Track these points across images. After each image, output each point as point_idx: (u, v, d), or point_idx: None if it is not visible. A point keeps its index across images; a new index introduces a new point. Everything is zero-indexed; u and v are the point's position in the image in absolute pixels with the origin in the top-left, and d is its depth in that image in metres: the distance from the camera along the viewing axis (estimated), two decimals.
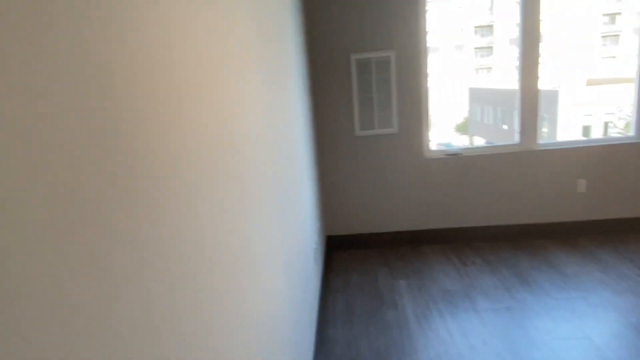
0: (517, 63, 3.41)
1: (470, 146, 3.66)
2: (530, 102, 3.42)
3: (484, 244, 3.55)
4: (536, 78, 3.38)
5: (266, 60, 1.53)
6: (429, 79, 3.46)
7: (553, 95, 17.61)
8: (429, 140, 3.56)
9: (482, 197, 3.57)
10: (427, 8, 3.32)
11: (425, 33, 3.34)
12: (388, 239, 3.69)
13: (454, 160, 3.53)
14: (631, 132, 3.49)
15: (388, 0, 3.28)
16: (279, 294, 1.45)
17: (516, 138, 3.52)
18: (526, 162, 3.49)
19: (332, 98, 3.47)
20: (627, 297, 2.58)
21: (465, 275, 3.06)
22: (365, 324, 2.57)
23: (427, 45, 3.38)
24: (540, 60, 3.35)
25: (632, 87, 3.48)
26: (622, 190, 3.51)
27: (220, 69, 0.96)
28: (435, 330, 2.44)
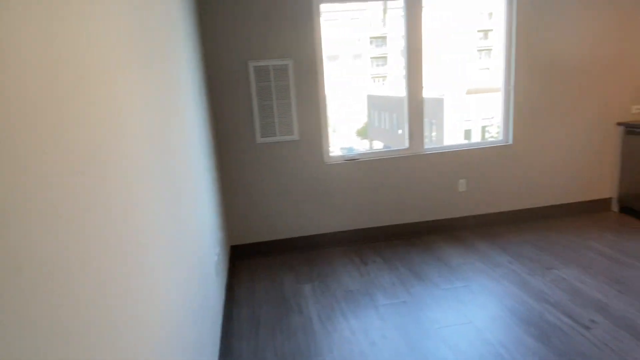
0: (404, 73, 3.68)
1: (366, 151, 3.87)
2: (416, 110, 3.72)
3: (382, 243, 3.76)
4: (420, 87, 3.69)
5: (149, 68, 1.45)
6: (327, 86, 3.57)
7: (439, 103, 19.42)
8: (329, 146, 3.67)
9: (379, 199, 3.79)
10: (322, 18, 3.43)
11: (320, 42, 3.45)
12: (293, 245, 3.73)
13: (353, 165, 3.69)
14: (501, 137, 3.97)
15: (284, 10, 3.32)
16: (173, 313, 1.37)
17: (406, 143, 3.79)
18: (415, 165, 3.78)
19: (232, 106, 3.41)
20: (502, 283, 2.93)
21: (366, 274, 3.20)
22: (270, 332, 2.56)
23: (324, 53, 3.50)
24: (423, 70, 3.66)
25: (500, 96, 3.97)
26: (497, 188, 3.98)
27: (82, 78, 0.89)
28: (339, 331, 2.51)
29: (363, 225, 3.81)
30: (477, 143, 3.96)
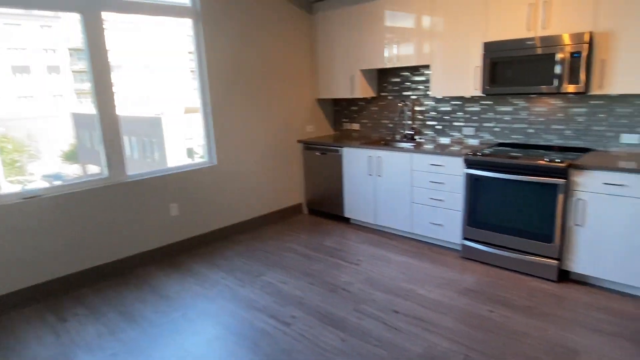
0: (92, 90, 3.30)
1: (51, 186, 3.26)
2: (113, 134, 3.40)
3: (87, 289, 3.25)
4: (113, 105, 3.37)
5: None
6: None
7: (157, 122, 18.96)
8: None
9: (79, 239, 3.26)
10: None
11: None
12: None
13: (34, 203, 3.04)
14: (206, 157, 4.10)
15: None
16: None
17: (104, 171, 3.41)
18: (119, 195, 3.45)
19: None
20: (217, 302, 2.99)
21: (65, 333, 2.68)
22: None
23: None
24: (114, 89, 3.36)
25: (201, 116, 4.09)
26: (208, 207, 4.08)
27: None
28: None
29: (60, 273, 3.20)
30: (186, 165, 3.96)
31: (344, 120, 5.12)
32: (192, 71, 3.97)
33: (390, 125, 4.64)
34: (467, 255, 3.50)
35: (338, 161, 4.45)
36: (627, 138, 3.13)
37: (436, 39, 3.70)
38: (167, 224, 3.80)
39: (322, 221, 4.71)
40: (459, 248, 3.68)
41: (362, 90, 4.45)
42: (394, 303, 2.87)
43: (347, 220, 4.65)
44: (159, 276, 3.44)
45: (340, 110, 5.14)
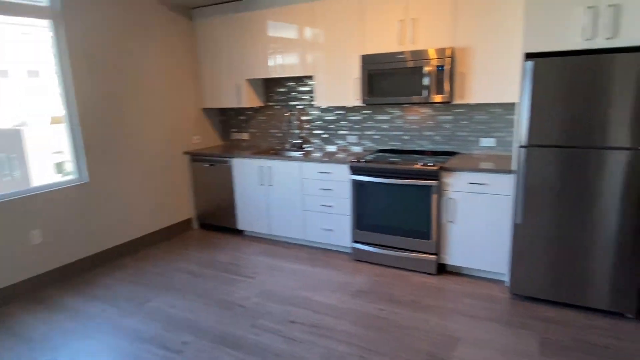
0: None
1: None
2: None
3: None
4: None
5: None
6: None
7: (16, 134, 16.48)
8: None
9: None
10: None
11: None
12: None
13: None
14: (76, 174, 3.66)
15: None
16: None
17: None
18: None
19: None
20: (97, 338, 2.66)
21: None
22: None
23: None
24: None
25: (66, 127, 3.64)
26: (81, 230, 3.64)
27: None
28: None
29: None
30: (50, 185, 3.48)
31: (233, 130, 5.00)
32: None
33: (279, 134, 4.66)
34: (358, 257, 3.66)
35: (228, 172, 4.32)
36: (485, 142, 3.57)
37: (318, 50, 3.81)
38: (28, 255, 3.29)
39: (214, 235, 4.53)
40: (350, 251, 3.83)
41: (249, 99, 4.39)
42: (290, 313, 2.86)
43: (240, 233, 4.54)
44: (21, 318, 2.96)
45: (228, 119, 5.02)
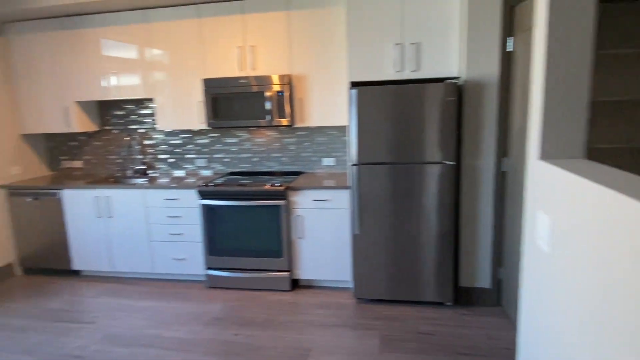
0: None
1: None
2: None
3: None
4: None
5: None
6: None
7: None
8: None
9: None
10: None
11: None
12: None
13: None
14: None
15: None
16: None
17: None
18: None
19: None
20: None
21: None
22: None
23: None
24: None
25: None
26: None
27: None
28: None
29: None
30: None
31: (63, 157, 4.44)
32: None
33: (119, 160, 4.31)
34: (212, 284, 3.56)
35: (57, 206, 3.80)
36: (326, 161, 3.86)
37: (160, 72, 3.67)
38: None
39: (43, 280, 3.92)
40: (204, 279, 3.71)
41: (81, 123, 3.97)
42: (137, 356, 2.63)
43: (76, 274, 4.02)
44: None
45: (56, 146, 4.44)
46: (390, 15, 2.98)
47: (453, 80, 2.82)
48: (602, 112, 2.95)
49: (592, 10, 1.33)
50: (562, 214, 1.24)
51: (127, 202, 3.66)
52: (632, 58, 2.86)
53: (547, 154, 1.43)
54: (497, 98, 2.84)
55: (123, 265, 3.79)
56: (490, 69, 2.81)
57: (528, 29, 2.49)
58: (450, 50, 2.94)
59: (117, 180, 4.02)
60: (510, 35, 2.76)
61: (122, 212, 3.69)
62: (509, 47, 2.77)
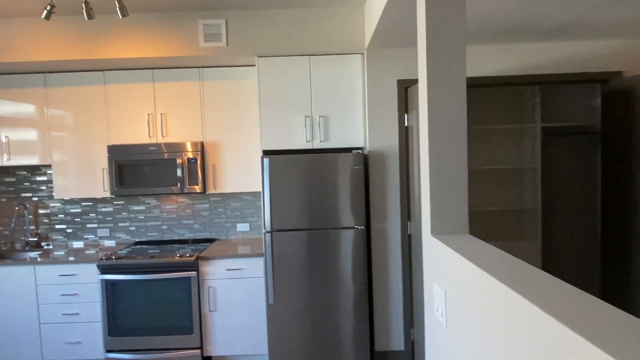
0: None
1: None
2: None
3: None
4: None
5: None
6: None
7: None
8: None
9: None
10: None
11: None
12: None
13: None
14: None
15: None
16: None
17: None
18: None
19: None
20: None
21: None
22: None
23: None
24: None
25: None
26: None
27: None
28: None
29: None
30: None
31: None
32: None
33: (7, 232, 3.84)
34: None
35: None
36: (240, 227, 3.80)
37: (58, 138, 3.44)
38: None
39: None
40: None
41: None
42: None
43: None
44: None
45: None
46: (300, 90, 3.15)
47: (359, 151, 3.01)
48: (483, 179, 3.31)
49: (463, 93, 1.53)
50: (454, 289, 1.34)
51: (12, 280, 3.23)
52: (504, 132, 3.30)
53: (436, 229, 1.56)
54: (399, 167, 3.07)
55: (4, 354, 3.27)
56: (391, 141, 3.06)
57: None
58: (355, 123, 3.16)
59: (2, 254, 3.56)
60: (406, 112, 3.05)
61: (6, 292, 3.24)
62: (407, 122, 3.06)
